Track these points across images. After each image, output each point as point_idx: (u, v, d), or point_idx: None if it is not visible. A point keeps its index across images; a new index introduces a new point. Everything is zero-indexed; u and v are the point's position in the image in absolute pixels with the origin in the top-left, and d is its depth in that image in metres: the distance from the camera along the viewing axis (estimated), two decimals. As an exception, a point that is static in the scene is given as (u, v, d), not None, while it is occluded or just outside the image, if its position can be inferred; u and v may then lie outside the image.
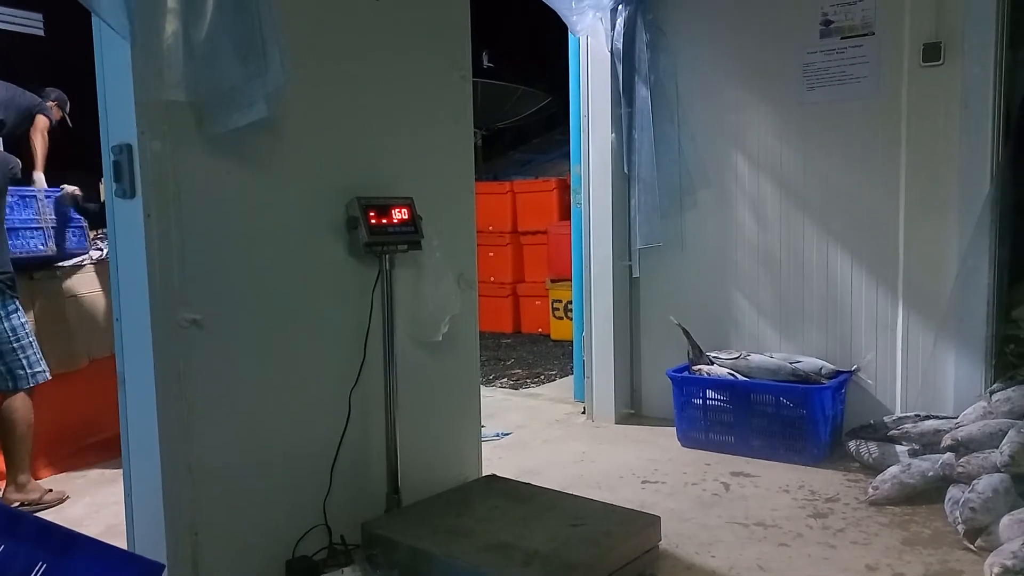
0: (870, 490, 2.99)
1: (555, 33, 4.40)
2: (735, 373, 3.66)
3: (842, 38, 3.63)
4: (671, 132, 4.05)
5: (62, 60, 5.39)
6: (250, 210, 2.31)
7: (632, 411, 4.30)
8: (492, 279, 7.48)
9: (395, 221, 2.62)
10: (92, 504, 3.25)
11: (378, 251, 2.60)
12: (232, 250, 2.27)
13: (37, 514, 3.01)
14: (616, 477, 3.36)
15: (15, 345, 3.18)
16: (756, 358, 3.68)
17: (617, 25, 4.05)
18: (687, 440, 3.73)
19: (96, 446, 3.76)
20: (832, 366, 3.61)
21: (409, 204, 2.68)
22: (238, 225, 2.28)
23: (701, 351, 3.83)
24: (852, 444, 3.38)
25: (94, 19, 2.07)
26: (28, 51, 6.88)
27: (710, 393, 3.65)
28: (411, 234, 2.68)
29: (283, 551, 2.38)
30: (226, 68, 2.13)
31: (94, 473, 3.64)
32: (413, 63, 2.82)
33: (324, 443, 2.52)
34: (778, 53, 3.79)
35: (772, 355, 3.73)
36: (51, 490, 3.29)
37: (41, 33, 6.79)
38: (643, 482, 3.29)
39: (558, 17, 3.94)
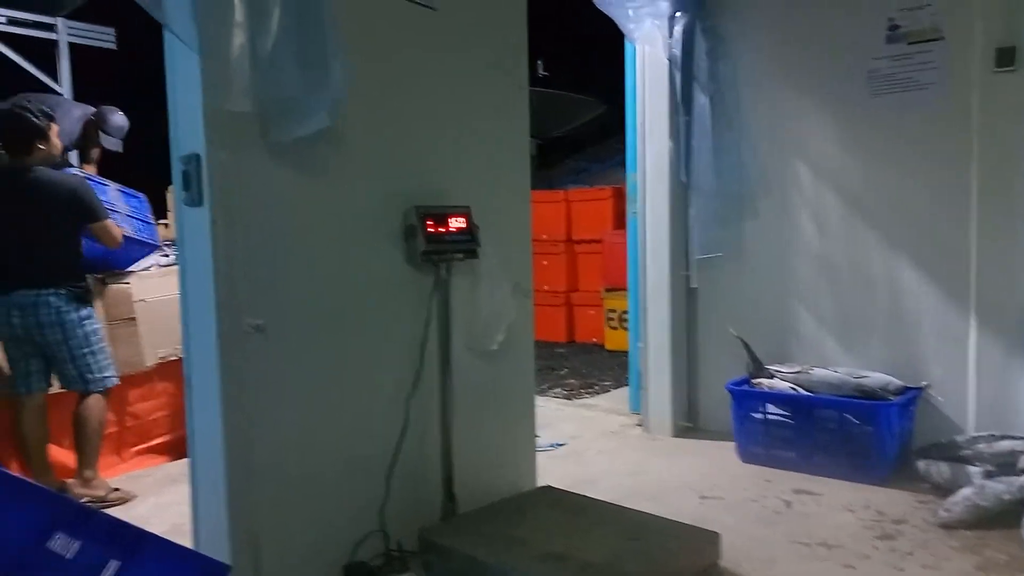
0: (941, 512, 2.87)
1: (611, 41, 4.38)
2: (797, 387, 3.56)
3: (909, 43, 3.52)
4: (730, 140, 3.98)
5: (134, 73, 5.59)
6: (311, 218, 2.35)
7: (689, 424, 4.22)
8: (546, 288, 7.46)
9: (452, 230, 2.64)
10: (158, 503, 3.34)
11: (435, 260, 2.62)
12: (294, 257, 2.32)
13: (105, 511, 3.11)
14: (673, 491, 3.30)
15: (86, 351, 3.30)
16: (819, 372, 3.57)
17: (675, 32, 4.00)
18: (746, 455, 3.64)
19: (162, 446, 3.88)
20: (899, 382, 3.48)
21: (466, 213, 2.70)
22: (299, 233, 2.33)
23: (761, 364, 3.74)
24: (921, 464, 3.25)
25: (165, 33, 2.14)
26: (101, 64, 7.17)
27: (771, 407, 3.56)
28: (468, 243, 2.69)
29: (341, 556, 2.40)
30: (290, 79, 2.18)
31: (160, 472, 3.75)
32: (470, 73, 2.84)
33: (381, 449, 2.53)
34: (842, 59, 3.69)
35: (835, 369, 3.61)
36: (117, 489, 3.40)
37: (114, 47, 7.06)
38: (701, 497, 3.23)
39: (614, 25, 3.92)
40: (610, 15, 3.84)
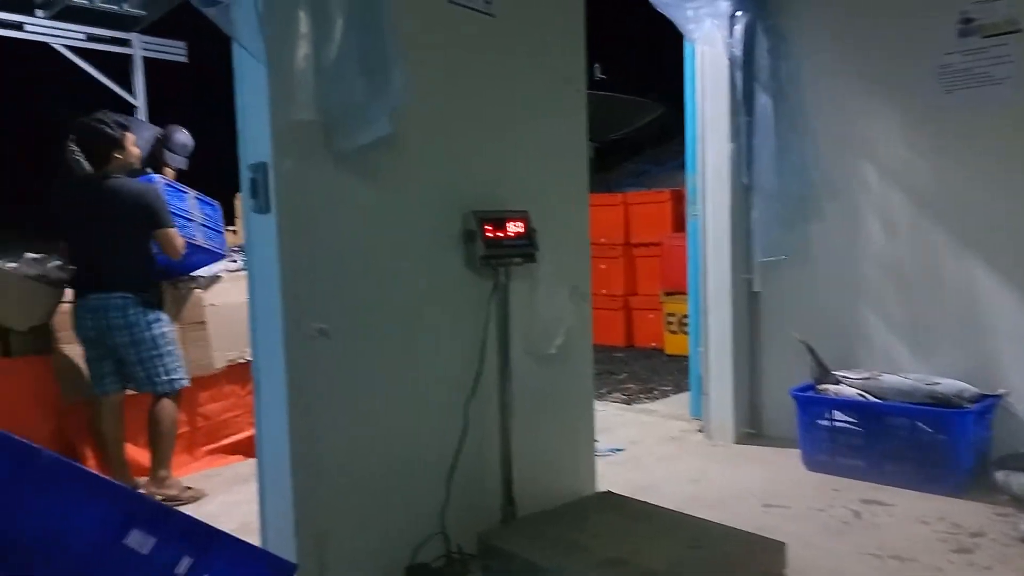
0: (1022, 526, 2.74)
1: (669, 42, 4.33)
2: (865, 394, 3.45)
3: (984, 37, 3.38)
4: (794, 141, 3.89)
5: (204, 85, 5.79)
6: (373, 224, 2.40)
7: (752, 430, 4.14)
8: (604, 291, 7.42)
9: (511, 234, 2.65)
10: (227, 501, 3.44)
11: (494, 264, 2.63)
12: (356, 262, 2.36)
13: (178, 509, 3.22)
14: (735, 498, 3.23)
15: (154, 354, 3.40)
16: (889, 378, 3.45)
17: (735, 32, 3.94)
18: (812, 463, 3.55)
19: (231, 446, 4.00)
20: (975, 389, 3.33)
21: (525, 217, 2.70)
22: (362, 238, 2.37)
23: (827, 370, 3.64)
24: (1000, 475, 3.10)
25: (234, 45, 2.21)
26: (174, 77, 7.43)
27: (838, 414, 3.46)
28: (526, 247, 2.69)
29: (403, 557, 2.43)
30: (352, 88, 2.22)
31: (229, 471, 3.86)
32: (528, 78, 2.85)
33: (442, 452, 2.56)
34: (911, 55, 3.57)
35: (906, 376, 3.49)
36: (190, 488, 3.51)
37: (185, 60, 7.32)
38: (764, 505, 3.15)
39: (673, 26, 3.88)
40: (669, 16, 3.80)
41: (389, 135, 2.29)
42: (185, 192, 3.99)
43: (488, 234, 2.58)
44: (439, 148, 2.57)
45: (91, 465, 3.53)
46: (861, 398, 3.44)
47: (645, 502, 2.82)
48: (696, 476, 3.56)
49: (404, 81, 2.26)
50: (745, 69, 3.93)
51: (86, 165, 3.54)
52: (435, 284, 2.57)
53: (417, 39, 2.43)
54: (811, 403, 3.55)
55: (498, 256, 2.62)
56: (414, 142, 2.47)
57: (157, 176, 3.91)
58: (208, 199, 4.17)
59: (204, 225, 4.03)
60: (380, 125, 2.26)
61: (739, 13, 3.90)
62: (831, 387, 3.56)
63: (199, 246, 3.89)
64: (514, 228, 2.66)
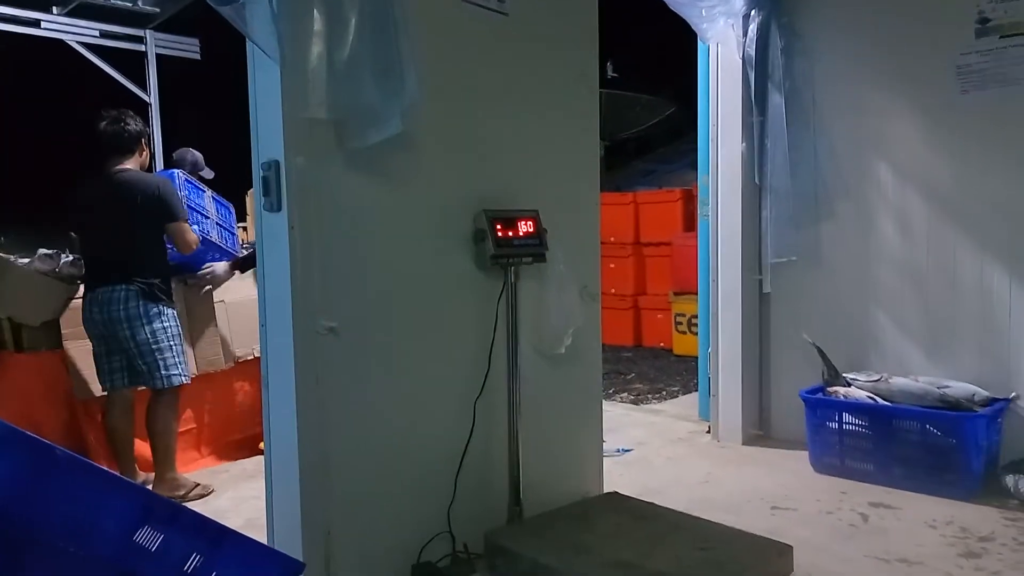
0: (1032, 531, 2.73)
1: (681, 41, 4.32)
2: (875, 396, 3.43)
3: (1001, 36, 3.35)
4: (807, 140, 3.87)
5: (216, 81, 5.82)
6: (384, 222, 2.40)
7: (760, 432, 4.13)
8: (613, 291, 7.41)
9: (521, 234, 2.65)
10: (235, 497, 3.46)
11: (504, 263, 2.63)
12: (366, 260, 2.36)
13: (187, 506, 3.24)
14: (743, 501, 3.22)
15: (154, 347, 3.37)
16: (899, 381, 3.44)
17: (749, 31, 3.92)
18: (821, 466, 3.53)
19: (239, 442, 4.02)
20: (986, 392, 3.32)
21: (535, 217, 2.70)
22: (372, 236, 2.38)
23: (837, 372, 3.63)
24: (1010, 479, 3.09)
25: (248, 44, 2.22)
26: (186, 74, 7.47)
27: (847, 417, 3.44)
28: (536, 247, 2.69)
29: (409, 556, 2.44)
30: (365, 87, 2.22)
31: (236, 467, 3.89)
32: (540, 77, 2.85)
33: (449, 451, 2.56)
34: (927, 55, 3.54)
35: (917, 379, 3.47)
36: (198, 484, 3.51)
37: (198, 57, 7.34)
38: (772, 508, 3.15)
39: (685, 24, 3.87)
40: (682, 15, 3.78)
41: (401, 134, 2.29)
42: (203, 190, 4.02)
43: (499, 233, 2.59)
44: (450, 147, 2.58)
45: (102, 460, 3.55)
46: (871, 401, 3.42)
47: (652, 503, 2.82)
48: (704, 478, 3.56)
49: (416, 81, 2.26)
50: (758, 68, 3.91)
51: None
52: (445, 283, 2.58)
53: (430, 38, 2.43)
54: (820, 405, 3.54)
55: (508, 255, 2.62)
56: (425, 141, 2.47)
57: (177, 171, 3.93)
58: (223, 200, 4.20)
59: (219, 224, 4.06)
60: (392, 124, 2.26)
61: (753, 12, 3.88)
62: (841, 389, 3.54)
63: (213, 242, 3.91)
64: (524, 227, 2.66)
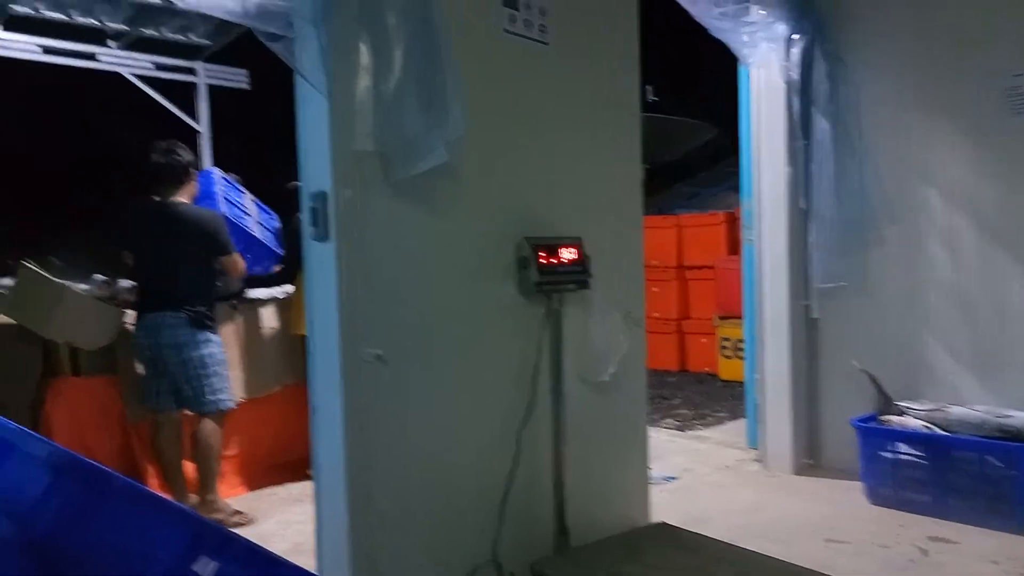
0: (1102, 569, 2.60)
1: (722, 64, 4.30)
2: (931, 426, 3.33)
3: (1056, 57, 3.28)
4: (853, 165, 3.81)
5: (265, 110, 5.96)
6: (428, 250, 2.42)
7: (811, 461, 4.03)
8: (656, 315, 7.34)
9: (564, 261, 2.65)
10: (281, 521, 3.49)
11: (547, 290, 2.63)
12: (411, 289, 2.38)
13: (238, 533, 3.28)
14: (794, 532, 3.14)
15: (201, 373, 3.46)
16: (957, 410, 3.33)
17: (792, 55, 3.89)
18: (875, 496, 3.44)
19: (286, 466, 4.05)
20: (1049, 422, 3.19)
21: (578, 244, 2.70)
22: (417, 265, 2.40)
23: (890, 400, 3.53)
24: (1076, 513, 2.96)
25: (296, 77, 2.27)
26: (235, 103, 7.66)
27: (902, 447, 3.34)
28: (580, 273, 2.69)
29: (454, 584, 2.43)
30: (411, 118, 2.26)
31: (283, 491, 3.92)
32: (581, 104, 2.86)
33: (494, 479, 2.55)
34: (976, 77, 3.48)
35: (974, 408, 3.36)
36: (239, 511, 3.54)
37: (247, 87, 7.54)
38: (826, 540, 3.06)
39: (726, 48, 3.85)
40: (724, 40, 3.77)
41: (445, 164, 2.31)
42: (243, 192, 4.13)
43: (542, 260, 2.59)
44: (493, 175, 2.60)
45: (153, 482, 3.62)
46: (927, 430, 3.32)
47: (700, 534, 2.76)
48: (753, 507, 3.48)
49: (460, 111, 2.29)
50: (802, 93, 3.88)
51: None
52: (489, 310, 2.58)
53: (473, 69, 2.46)
54: (874, 434, 3.45)
55: (552, 283, 2.62)
56: (469, 170, 2.49)
57: (215, 169, 4.05)
58: (264, 205, 4.32)
59: (261, 224, 4.18)
60: (438, 154, 2.28)
61: (796, 36, 3.86)
62: (895, 418, 3.45)
63: (255, 237, 4.00)
64: (568, 254, 2.66)
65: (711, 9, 3.52)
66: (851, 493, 3.53)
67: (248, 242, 3.96)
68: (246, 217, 4.03)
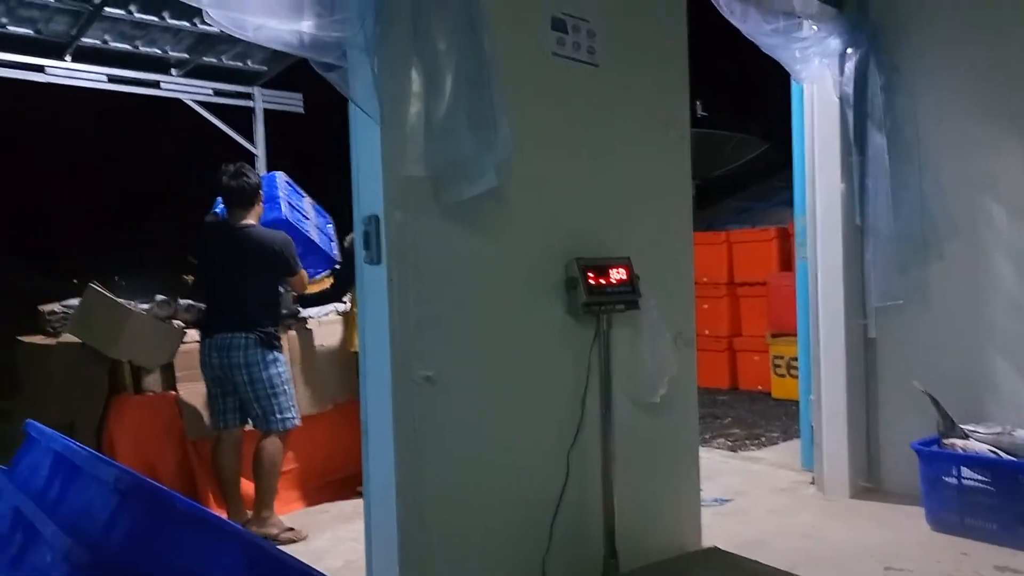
0: None
1: (772, 78, 4.24)
2: (997, 450, 3.21)
3: None
4: (911, 179, 3.71)
5: (320, 135, 6.11)
6: (478, 273, 2.45)
7: (869, 484, 3.90)
8: (707, 332, 7.23)
9: (613, 281, 2.65)
10: (333, 538, 3.53)
11: (596, 311, 2.63)
12: (461, 311, 2.41)
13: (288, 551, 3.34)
14: (852, 559, 3.05)
15: (270, 392, 3.56)
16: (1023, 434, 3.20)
17: (846, 70, 3.82)
18: (938, 523, 3.31)
19: (338, 483, 4.11)
20: (1125, 447, 3.05)
21: (627, 264, 2.69)
22: (466, 287, 2.42)
23: (953, 422, 3.41)
24: None
25: (350, 104, 2.33)
26: (291, 127, 7.87)
27: (966, 471, 3.22)
28: (629, 294, 2.68)
29: (504, 606, 2.42)
30: (461, 143, 2.29)
31: (335, 508, 3.97)
32: (630, 124, 2.86)
33: (543, 500, 2.55)
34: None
35: (1045, 431, 3.22)
36: (291, 528, 3.59)
37: (301, 111, 7.74)
38: (886, 568, 2.96)
39: (775, 62, 3.80)
40: (775, 56, 3.72)
41: (495, 187, 2.34)
42: (303, 195, 4.25)
43: (591, 281, 2.59)
44: (543, 196, 2.61)
45: (210, 497, 3.71)
46: (993, 454, 3.19)
47: (754, 560, 2.71)
48: (809, 532, 3.39)
49: (510, 135, 2.31)
50: (857, 107, 3.80)
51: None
52: (538, 331, 2.59)
53: (522, 92, 2.49)
54: (936, 458, 3.33)
55: (600, 303, 2.61)
56: (518, 192, 2.52)
57: (279, 173, 4.17)
58: (321, 209, 4.43)
59: (319, 228, 4.30)
60: (488, 178, 2.31)
61: (850, 50, 3.79)
62: (958, 441, 3.33)
63: (312, 241, 4.12)
64: (617, 275, 2.65)
65: (762, 26, 3.48)
66: (912, 519, 3.41)
67: (306, 245, 4.08)
68: (305, 221, 4.15)
